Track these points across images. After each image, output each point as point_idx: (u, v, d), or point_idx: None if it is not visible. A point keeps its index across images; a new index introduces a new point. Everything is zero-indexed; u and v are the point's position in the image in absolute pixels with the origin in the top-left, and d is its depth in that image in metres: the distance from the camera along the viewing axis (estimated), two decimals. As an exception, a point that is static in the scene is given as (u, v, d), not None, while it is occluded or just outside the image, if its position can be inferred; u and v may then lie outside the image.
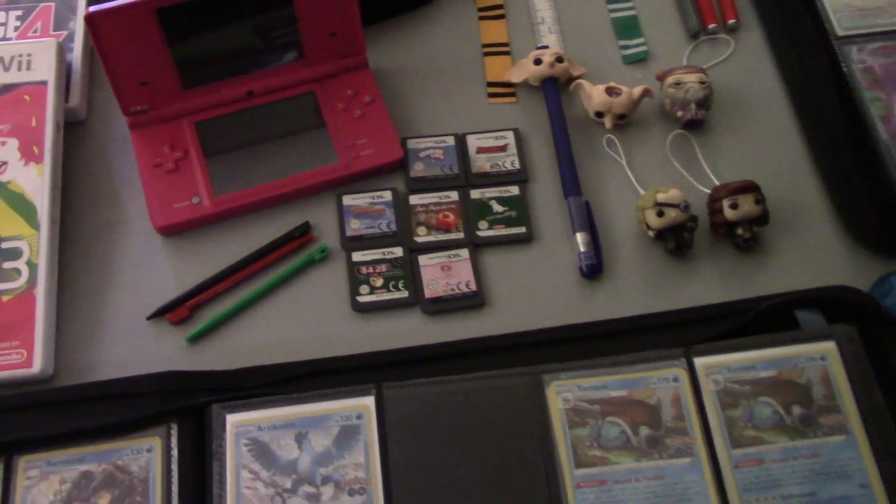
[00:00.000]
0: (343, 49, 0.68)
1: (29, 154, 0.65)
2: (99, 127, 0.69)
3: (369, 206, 0.65)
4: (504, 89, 0.70)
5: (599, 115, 0.67)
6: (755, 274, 0.62)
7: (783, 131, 0.68)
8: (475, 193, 0.65)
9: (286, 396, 0.55)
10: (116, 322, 0.61)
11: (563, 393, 0.55)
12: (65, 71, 0.69)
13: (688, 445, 0.53)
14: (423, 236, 0.64)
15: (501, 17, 0.73)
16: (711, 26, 0.72)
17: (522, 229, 0.64)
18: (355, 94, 0.68)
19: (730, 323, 0.58)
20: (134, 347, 0.60)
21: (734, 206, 0.62)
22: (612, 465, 0.53)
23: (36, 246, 0.62)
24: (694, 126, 0.67)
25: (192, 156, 0.66)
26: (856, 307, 0.58)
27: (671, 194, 0.62)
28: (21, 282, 0.61)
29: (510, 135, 0.68)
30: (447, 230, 0.64)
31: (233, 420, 0.55)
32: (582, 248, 0.62)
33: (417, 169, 0.66)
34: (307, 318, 0.61)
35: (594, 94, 0.67)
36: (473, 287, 0.62)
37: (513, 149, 0.67)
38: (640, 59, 0.71)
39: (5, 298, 0.60)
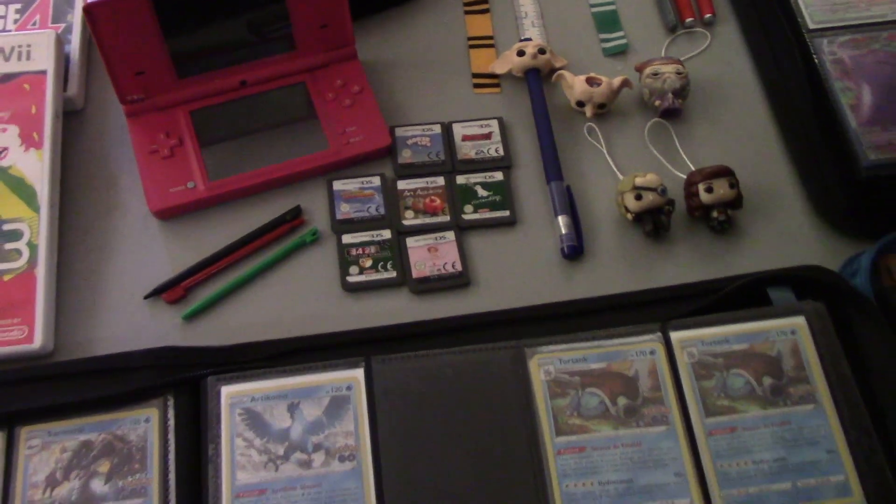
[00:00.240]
0: (333, 41, 0.70)
1: (29, 140, 0.67)
2: (96, 116, 0.71)
3: (359, 190, 0.67)
4: (489, 80, 0.72)
5: (580, 104, 0.70)
6: (730, 254, 0.65)
7: (757, 119, 0.70)
8: (461, 179, 0.68)
9: (279, 369, 0.57)
10: (114, 301, 0.63)
11: (545, 365, 0.57)
12: (63, 61, 0.71)
13: (663, 414, 0.56)
14: (410, 219, 0.66)
15: (486, 11, 0.76)
16: (688, 20, 0.74)
17: (506, 213, 0.66)
18: (345, 84, 0.70)
19: (705, 300, 0.61)
20: (131, 325, 0.62)
21: (709, 190, 0.65)
22: (591, 433, 0.55)
23: (36, 228, 0.64)
24: (671, 115, 0.69)
25: (187, 143, 0.68)
26: (825, 285, 0.60)
27: (649, 178, 0.64)
28: (22, 262, 0.63)
29: (494, 123, 0.70)
30: (434, 214, 0.66)
31: (227, 391, 0.57)
32: (563, 231, 0.65)
33: (405, 156, 0.69)
34: (298, 297, 0.64)
35: (575, 85, 0.69)
36: (459, 267, 0.64)
37: (497, 136, 0.70)
38: (619, 52, 0.74)
39: (7, 278, 0.62)
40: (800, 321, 0.58)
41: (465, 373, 0.57)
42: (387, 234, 0.65)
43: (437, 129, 0.70)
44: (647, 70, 0.69)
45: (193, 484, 0.55)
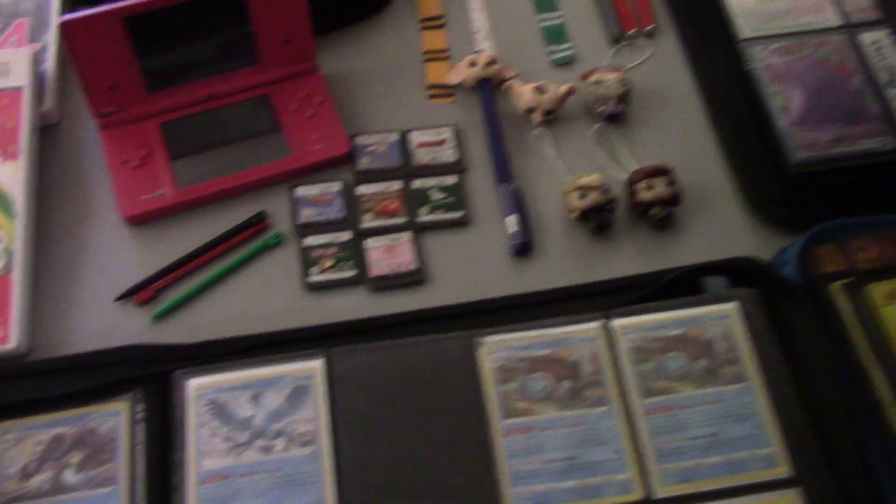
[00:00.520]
0: (295, 55, 0.74)
1: (6, 153, 0.70)
2: (71, 128, 0.75)
3: (320, 195, 0.71)
4: (444, 90, 0.76)
5: (530, 111, 0.74)
6: (670, 248, 0.69)
7: (695, 122, 0.75)
8: (417, 183, 0.72)
9: (243, 362, 0.61)
10: (87, 303, 0.67)
11: (493, 353, 0.61)
12: (39, 77, 0.75)
13: (604, 396, 0.59)
14: (369, 222, 0.70)
15: (441, 26, 0.80)
16: (631, 32, 0.79)
17: (460, 214, 0.70)
18: (307, 96, 0.74)
19: (645, 290, 0.65)
20: (104, 326, 0.66)
21: (649, 188, 0.69)
22: (537, 415, 0.59)
23: (12, 235, 0.67)
24: (615, 119, 0.74)
25: (158, 153, 0.71)
26: (757, 274, 0.64)
27: (592, 178, 0.68)
28: (-2, 267, 0.66)
29: (449, 130, 0.74)
30: (391, 216, 0.70)
31: (194, 384, 0.60)
32: (513, 229, 0.69)
33: (364, 162, 0.72)
34: (263, 296, 0.67)
35: (524, 93, 0.73)
36: (415, 266, 0.68)
37: (451, 143, 0.73)
38: (567, 62, 0.78)
39: (-16, 282, 0.66)
40: (732, 307, 0.62)
41: (419, 361, 0.61)
42: (347, 235, 0.69)
43: (395, 136, 0.74)
44: (592, 78, 0.74)
45: (161, 471, 0.58)
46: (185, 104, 0.73)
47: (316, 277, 0.67)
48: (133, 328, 0.66)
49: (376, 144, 0.73)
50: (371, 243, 0.69)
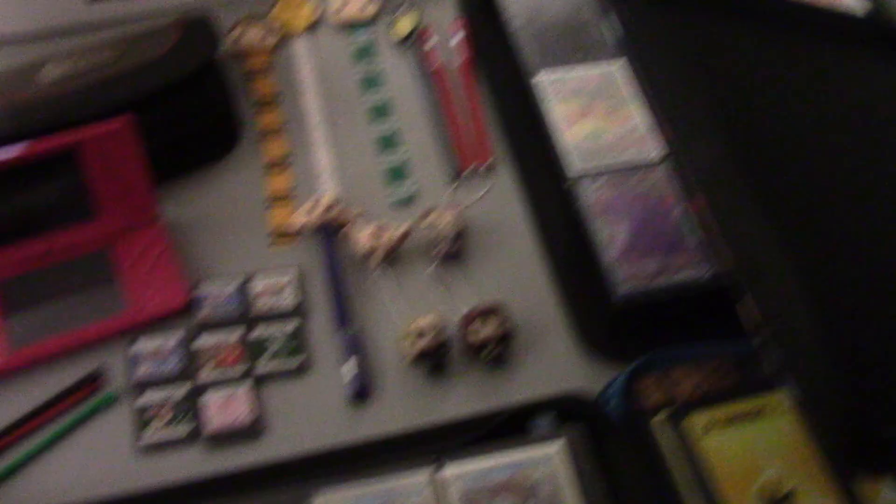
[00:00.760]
0: (133, 208, 0.75)
1: None
2: None
3: (157, 349, 0.71)
4: (286, 235, 0.78)
5: (368, 255, 0.76)
6: (505, 385, 0.71)
7: (529, 257, 0.78)
8: (256, 331, 0.72)
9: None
10: None
11: (324, 510, 0.61)
12: None
13: (433, 548, 0.60)
14: (207, 374, 0.70)
15: (286, 168, 0.82)
16: (469, 168, 0.82)
17: (299, 361, 0.71)
18: (145, 248, 0.75)
19: (477, 433, 0.66)
20: (-75, 502, 0.64)
21: (482, 328, 0.71)
22: (365, 573, 0.59)
23: None
24: (451, 258, 0.76)
25: (-9, 314, 0.71)
26: (582, 411, 0.66)
27: (427, 321, 0.70)
28: None
29: (290, 275, 0.75)
30: (230, 366, 0.70)
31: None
32: (350, 375, 0.70)
33: (204, 313, 0.73)
34: (96, 460, 0.66)
35: (361, 238, 0.75)
36: (253, 417, 0.68)
37: (292, 288, 0.75)
38: (408, 201, 0.81)
39: None
40: (557, 448, 0.64)
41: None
42: (183, 390, 0.69)
43: (236, 284, 0.74)
44: (428, 219, 0.76)
45: None
46: (21, 261, 0.73)
47: (150, 438, 0.67)
48: (-42, 502, 0.64)
49: (216, 293, 0.74)
50: (208, 397, 0.69)
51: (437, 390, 0.70)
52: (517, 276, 0.77)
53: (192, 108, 0.81)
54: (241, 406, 0.69)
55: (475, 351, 0.71)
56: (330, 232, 0.77)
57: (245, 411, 0.68)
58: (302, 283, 0.75)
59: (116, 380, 0.70)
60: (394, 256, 0.76)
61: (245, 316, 0.73)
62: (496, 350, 0.70)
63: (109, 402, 0.68)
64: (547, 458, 0.63)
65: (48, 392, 0.68)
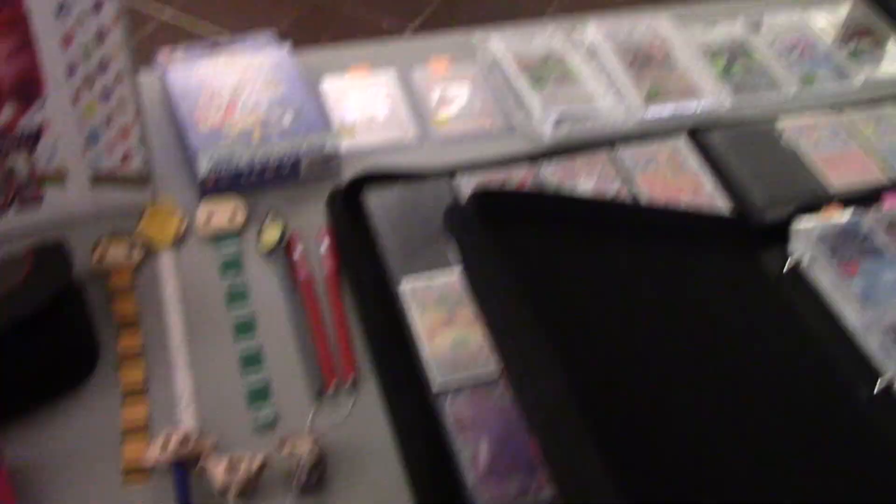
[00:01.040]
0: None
1: None
2: None
3: None
4: (138, 473, 0.74)
5: (223, 492, 0.73)
6: None
7: (393, 483, 0.75)
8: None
9: None
10: None
11: None
12: None
13: None
14: None
15: (144, 396, 0.80)
16: (333, 386, 0.81)
17: None
18: (-17, 500, 0.71)
19: None
20: None
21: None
22: None
23: None
24: (310, 487, 0.74)
25: None
26: None
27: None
28: None
29: (140, 519, 0.72)
30: None
31: None
32: None
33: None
34: None
35: (216, 473, 0.73)
36: None
37: (142, 533, 0.71)
38: (270, 425, 0.79)
39: None
40: None
41: None
42: None
43: (82, 532, 0.71)
44: (287, 447, 0.74)
45: None
46: None
47: None
48: None
49: (58, 547, 0.70)
50: None
51: None
52: (379, 500, 0.74)
53: (44, 340, 0.78)
54: None
55: None
56: (185, 468, 0.74)
57: None
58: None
59: None
60: (252, 489, 0.74)
61: (89, 570, 0.69)
62: (354, 593, 0.68)
63: None
64: None
65: None
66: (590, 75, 1.11)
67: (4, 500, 0.70)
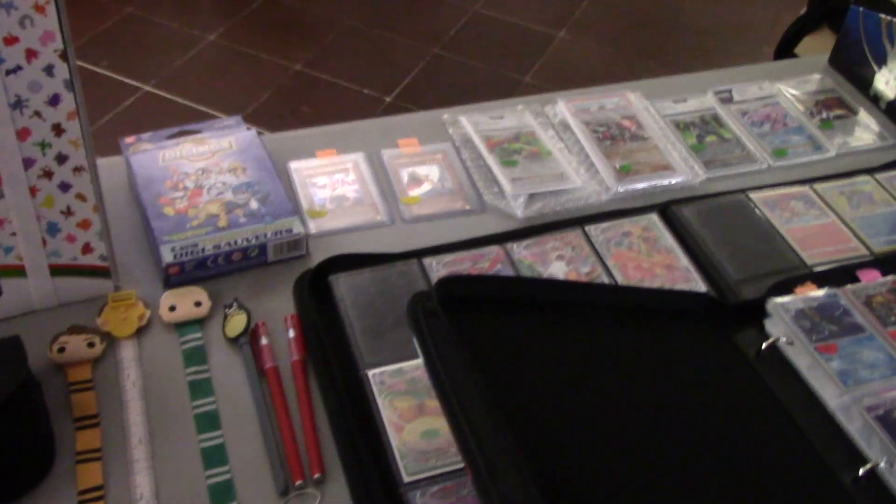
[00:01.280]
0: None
1: None
2: None
3: None
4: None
5: None
6: None
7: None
8: None
9: None
10: None
11: None
12: None
13: None
14: None
15: (101, 496, 0.77)
16: (299, 482, 0.78)
17: None
18: None
19: None
20: None
21: None
22: None
23: None
24: None
25: None
26: None
27: None
28: None
29: None
30: None
31: None
32: None
33: None
34: None
35: (172, 580, 0.70)
36: None
37: None
38: (232, 525, 0.76)
39: None
40: None
41: None
42: None
43: None
44: (248, 551, 0.71)
45: None
46: None
47: None
48: None
49: None
50: None
51: None
52: None
53: (-3, 440, 0.76)
54: None
55: None
56: (140, 575, 0.71)
57: None
58: None
59: None
60: None
61: None
62: None
63: None
64: None
65: None
66: (561, 152, 1.11)
67: None
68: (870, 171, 1.13)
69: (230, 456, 0.80)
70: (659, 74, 1.28)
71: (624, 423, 0.72)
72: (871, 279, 0.94)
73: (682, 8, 3.17)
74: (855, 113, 1.25)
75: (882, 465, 0.76)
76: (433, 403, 0.81)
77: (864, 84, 1.28)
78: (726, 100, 1.23)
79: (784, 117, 1.22)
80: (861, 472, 0.76)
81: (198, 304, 0.90)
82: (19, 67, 0.74)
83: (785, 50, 2.21)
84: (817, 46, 2.11)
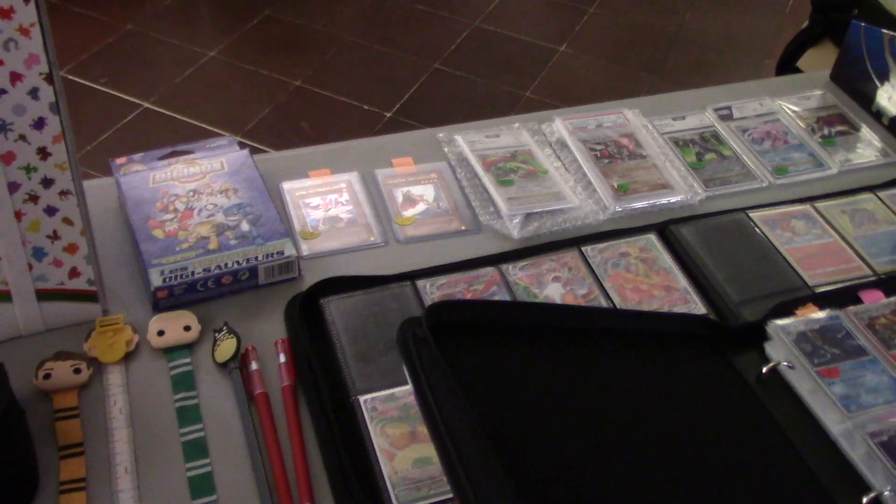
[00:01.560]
0: None
1: None
2: None
3: None
4: None
5: None
6: None
7: None
8: None
9: None
10: None
11: None
12: None
13: None
14: None
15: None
16: (287, 512, 0.77)
17: None
18: None
19: None
20: None
21: None
22: None
23: None
24: None
25: None
26: None
27: None
28: None
29: None
30: None
31: None
32: None
33: None
34: None
35: None
36: None
37: None
38: (219, 557, 0.74)
39: None
40: None
41: None
42: None
43: None
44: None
45: None
46: None
47: None
48: None
49: None
50: None
51: None
52: None
53: (-22, 469, 0.75)
54: None
55: None
56: None
57: None
58: None
59: None
60: None
61: None
62: None
63: None
64: None
65: None
66: (558, 170, 1.10)
67: None
68: (872, 188, 1.12)
69: (218, 484, 0.78)
70: (661, 88, 1.28)
71: (621, 450, 0.70)
72: (874, 300, 0.92)
73: (685, 22, 3.16)
74: (857, 129, 1.23)
75: (886, 493, 0.74)
76: (426, 430, 0.80)
77: (866, 100, 1.26)
78: (726, 117, 1.22)
79: (785, 134, 1.20)
80: (865, 500, 0.74)
81: (187, 328, 0.88)
82: (3, 91, 0.73)
83: (787, 64, 2.19)
84: (820, 60, 2.10)
